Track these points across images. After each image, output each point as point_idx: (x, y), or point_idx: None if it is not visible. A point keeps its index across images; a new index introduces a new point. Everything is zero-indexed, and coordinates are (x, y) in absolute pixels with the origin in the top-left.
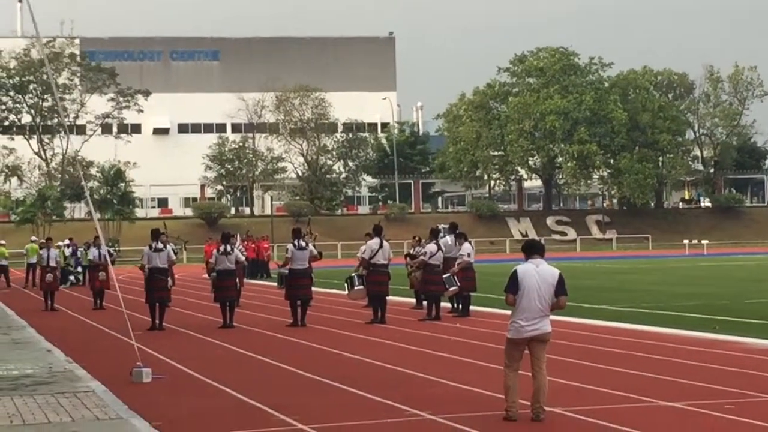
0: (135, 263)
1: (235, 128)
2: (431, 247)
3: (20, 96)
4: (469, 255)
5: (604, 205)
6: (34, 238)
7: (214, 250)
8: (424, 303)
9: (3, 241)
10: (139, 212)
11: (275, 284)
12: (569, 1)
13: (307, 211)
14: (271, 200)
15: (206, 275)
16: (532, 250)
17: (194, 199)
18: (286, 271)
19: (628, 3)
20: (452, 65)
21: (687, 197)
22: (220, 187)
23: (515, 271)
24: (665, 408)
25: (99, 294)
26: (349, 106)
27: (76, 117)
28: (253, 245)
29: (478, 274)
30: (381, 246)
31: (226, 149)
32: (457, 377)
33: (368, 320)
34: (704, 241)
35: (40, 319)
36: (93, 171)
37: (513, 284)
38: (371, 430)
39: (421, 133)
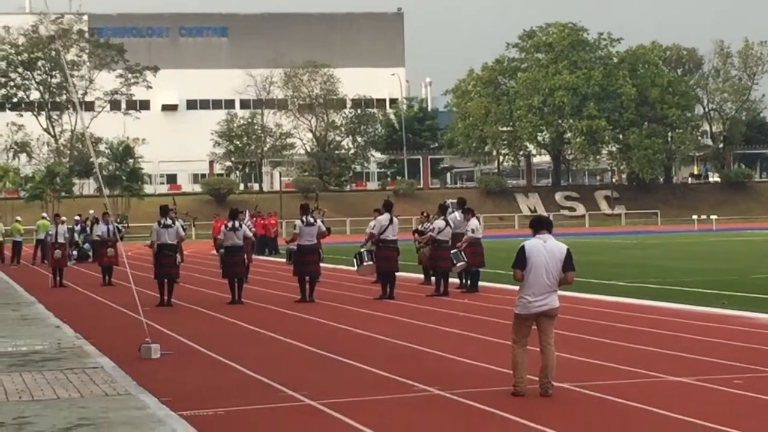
0: (144, 239)
1: (244, 104)
2: (439, 222)
3: (29, 72)
4: (473, 231)
5: (613, 180)
6: (44, 214)
7: (222, 226)
8: (433, 279)
9: (19, 218)
10: (148, 188)
11: (283, 260)
12: None
13: (316, 187)
14: (280, 176)
15: (214, 251)
16: (539, 225)
17: (203, 176)
18: (295, 247)
19: None
20: (461, 41)
21: (696, 172)
22: (228, 164)
23: (523, 247)
24: (674, 383)
25: (107, 270)
26: (358, 81)
27: (85, 93)
28: (262, 221)
29: (487, 250)
30: (391, 222)
31: (235, 125)
32: (465, 353)
33: (377, 296)
34: (713, 217)
35: (48, 295)
36: (102, 147)
37: (521, 260)
38: (380, 405)
39: (429, 108)
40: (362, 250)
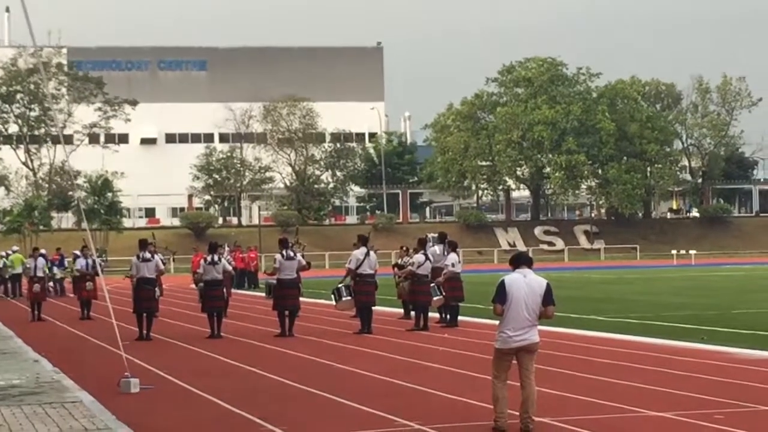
0: (122, 273)
1: (223, 138)
2: (419, 257)
3: (7, 106)
4: (453, 265)
5: (592, 215)
6: (15, 248)
7: (201, 260)
8: (412, 313)
9: (17, 247)
10: (127, 222)
11: (263, 294)
12: (558, 11)
13: (295, 221)
14: (259, 210)
15: (193, 285)
16: (519, 261)
17: (182, 209)
18: (274, 281)
19: (616, 13)
20: (440, 75)
21: (675, 207)
22: (207, 197)
23: (503, 281)
24: (655, 418)
25: (86, 304)
26: (337, 116)
27: (64, 127)
28: (241, 255)
29: (466, 284)
30: (367, 255)
31: (214, 159)
32: (445, 387)
33: (356, 330)
34: (692, 252)
35: (26, 329)
36: (80, 181)
37: (501, 294)
38: None
39: (409, 143)
40: (340, 285)
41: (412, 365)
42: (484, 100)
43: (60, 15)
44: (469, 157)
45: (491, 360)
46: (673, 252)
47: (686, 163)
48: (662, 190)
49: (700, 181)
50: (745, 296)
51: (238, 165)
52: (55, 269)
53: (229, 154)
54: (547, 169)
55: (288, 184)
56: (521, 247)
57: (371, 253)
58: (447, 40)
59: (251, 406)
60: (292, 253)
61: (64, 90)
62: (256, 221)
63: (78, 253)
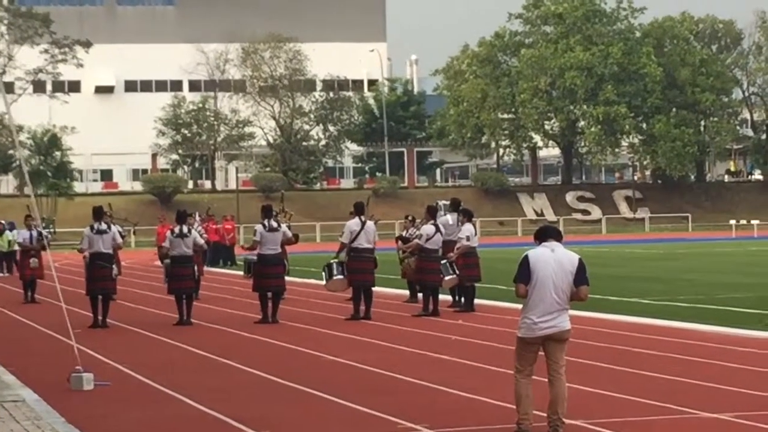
0: (73, 247)
1: (194, 86)
2: (428, 228)
3: None
4: (469, 238)
5: (635, 178)
6: None
7: (168, 233)
8: (420, 295)
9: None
10: (78, 187)
11: (241, 273)
12: None
13: (280, 186)
14: (237, 172)
15: (158, 262)
16: (546, 234)
17: (144, 171)
18: (255, 258)
19: None
20: (453, 11)
21: (734, 169)
22: (175, 157)
23: (526, 257)
24: (709, 420)
25: (30, 285)
26: (330, 59)
27: (3, 72)
28: (215, 226)
29: (484, 261)
30: (363, 226)
31: (183, 111)
32: (459, 384)
33: (348, 316)
34: (754, 222)
35: None
36: (23, 137)
37: (524, 273)
38: None
39: (415, 91)
40: (332, 261)
41: (419, 357)
42: (505, 41)
43: None
44: (487, 109)
45: (513, 351)
46: (732, 222)
47: (747, 115)
48: (719, 149)
49: (764, 137)
50: None
51: (212, 118)
52: None
53: (200, 105)
54: (581, 123)
55: (271, 141)
56: (550, 216)
57: (369, 223)
58: None
59: (227, 405)
60: (275, 224)
61: (3, 28)
62: (233, 185)
63: (4, 222)
